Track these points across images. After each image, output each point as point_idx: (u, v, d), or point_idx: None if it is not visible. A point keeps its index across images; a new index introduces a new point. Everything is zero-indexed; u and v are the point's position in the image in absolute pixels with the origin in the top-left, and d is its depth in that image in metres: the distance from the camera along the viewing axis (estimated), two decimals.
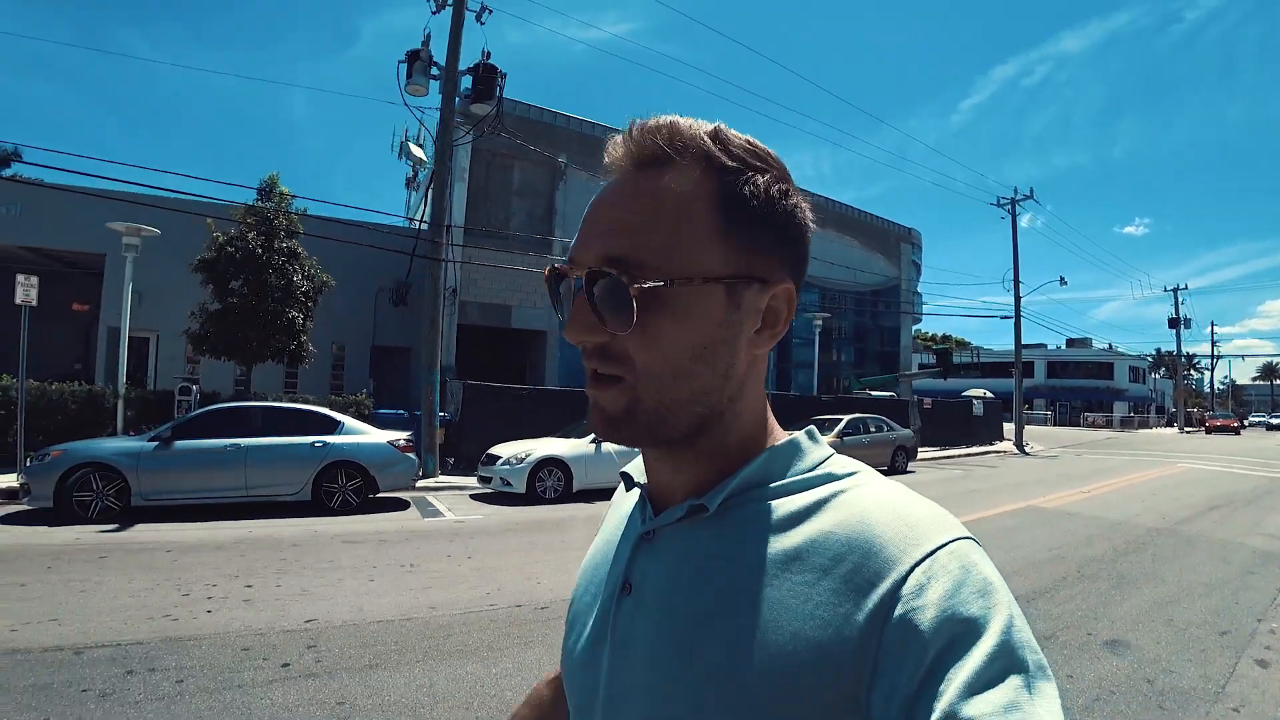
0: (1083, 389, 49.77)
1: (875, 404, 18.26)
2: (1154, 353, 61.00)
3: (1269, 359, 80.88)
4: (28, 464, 7.07)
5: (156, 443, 7.31)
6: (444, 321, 17.26)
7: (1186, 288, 41.13)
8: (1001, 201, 26.84)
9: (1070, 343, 52.55)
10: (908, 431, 13.98)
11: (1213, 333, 51.94)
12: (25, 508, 7.04)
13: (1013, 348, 25.01)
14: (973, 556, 0.43)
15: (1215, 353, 53.16)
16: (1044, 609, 4.43)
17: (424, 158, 12.12)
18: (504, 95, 12.65)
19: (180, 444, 7.38)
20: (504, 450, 9.35)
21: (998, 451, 20.65)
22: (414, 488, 9.24)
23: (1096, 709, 2.99)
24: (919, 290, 28.08)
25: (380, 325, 19.63)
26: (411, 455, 8.62)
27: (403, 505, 8.45)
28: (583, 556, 0.64)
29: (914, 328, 30.10)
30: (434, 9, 11.97)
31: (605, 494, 8.47)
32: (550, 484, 9.05)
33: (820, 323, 18.07)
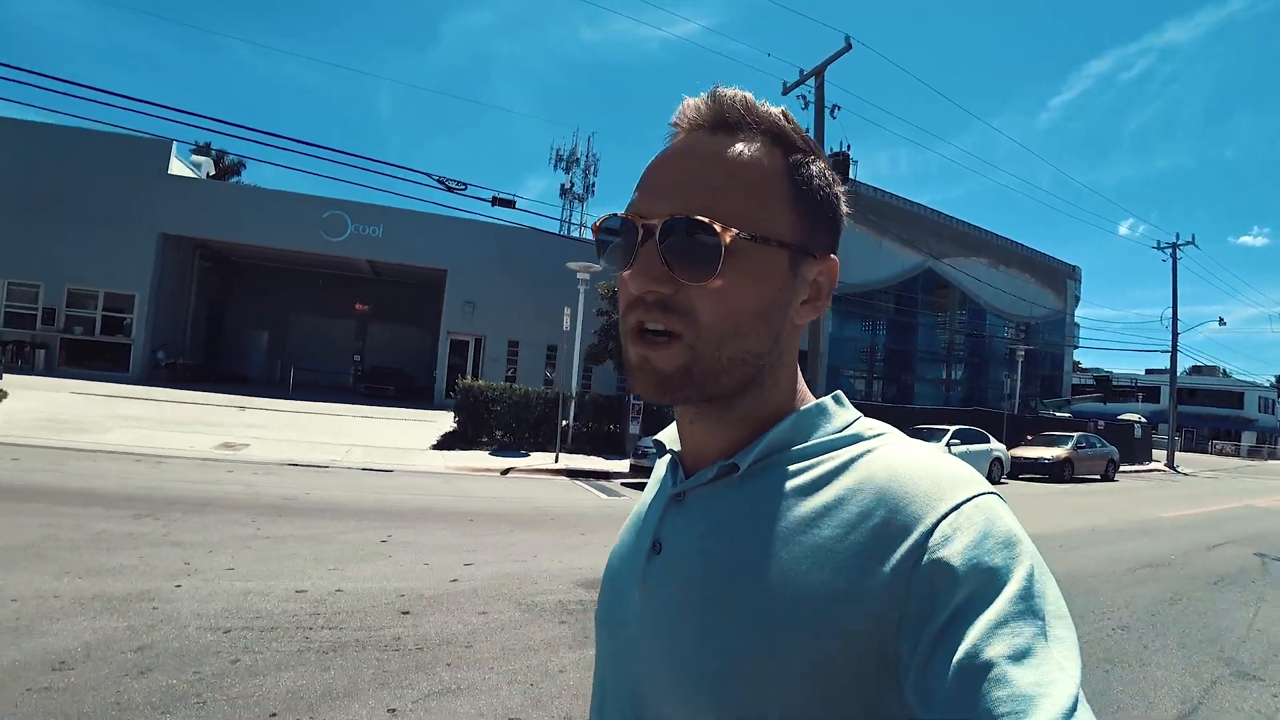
0: (1211, 416, 51.11)
1: (1064, 423, 22.41)
2: (1274, 379, 60.55)
3: None
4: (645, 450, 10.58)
5: None
6: None
7: None
8: (1162, 245, 29.89)
9: (1194, 370, 53.71)
10: (1114, 448, 18.13)
11: None
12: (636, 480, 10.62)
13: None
14: (998, 510, 0.45)
15: None
16: None
17: None
18: None
19: None
20: None
21: (1159, 470, 24.21)
22: None
23: None
24: (1077, 321, 31.59)
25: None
26: None
27: None
28: None
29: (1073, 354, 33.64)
30: (802, 106, 16.97)
31: None
32: None
33: (1023, 353, 22.32)
